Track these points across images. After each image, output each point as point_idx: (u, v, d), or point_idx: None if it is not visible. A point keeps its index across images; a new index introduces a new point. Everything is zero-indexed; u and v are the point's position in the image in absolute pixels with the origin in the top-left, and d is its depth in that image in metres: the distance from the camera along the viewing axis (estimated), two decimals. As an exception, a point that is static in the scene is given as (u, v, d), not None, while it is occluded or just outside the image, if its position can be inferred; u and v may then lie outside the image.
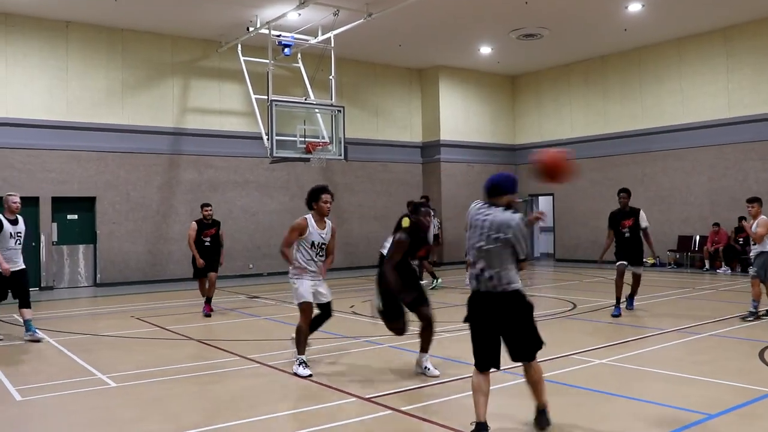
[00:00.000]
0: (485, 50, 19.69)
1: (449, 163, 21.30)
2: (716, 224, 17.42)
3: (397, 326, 6.73)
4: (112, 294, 14.84)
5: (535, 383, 4.93)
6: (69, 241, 16.19)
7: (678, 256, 18.63)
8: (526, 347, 4.82)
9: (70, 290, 15.78)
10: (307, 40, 16.45)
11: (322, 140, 15.94)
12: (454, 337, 8.16)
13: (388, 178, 21.06)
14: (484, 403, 4.69)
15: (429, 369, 6.60)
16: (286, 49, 16.19)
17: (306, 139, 15.73)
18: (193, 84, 17.79)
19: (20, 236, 9.21)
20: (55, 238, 15.91)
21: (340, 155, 16.10)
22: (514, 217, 4.70)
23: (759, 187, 16.23)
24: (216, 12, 15.61)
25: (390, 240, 6.74)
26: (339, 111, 16.18)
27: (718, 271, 17.11)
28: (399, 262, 6.57)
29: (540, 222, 5.31)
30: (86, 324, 10.75)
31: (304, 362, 6.82)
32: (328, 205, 7.05)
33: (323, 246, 7.06)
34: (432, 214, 6.92)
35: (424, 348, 6.64)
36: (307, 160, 15.93)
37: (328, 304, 7.25)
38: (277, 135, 15.18)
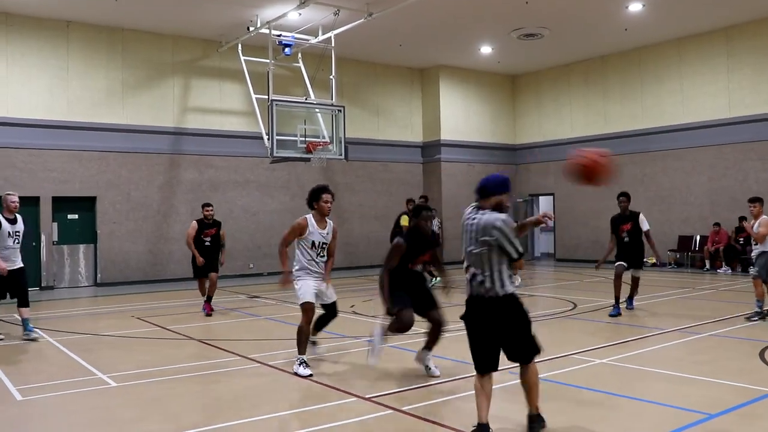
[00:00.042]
0: (486, 50, 19.69)
1: (450, 162, 21.30)
2: (717, 224, 17.42)
3: (401, 324, 6.45)
4: (112, 294, 14.84)
5: (529, 386, 4.84)
6: (69, 240, 16.19)
7: (678, 256, 18.63)
8: (521, 351, 4.76)
9: (70, 290, 15.79)
10: (308, 40, 16.45)
11: (323, 140, 15.94)
12: (453, 337, 8.15)
13: (388, 178, 21.06)
14: (486, 404, 4.69)
15: (431, 369, 6.54)
16: (287, 49, 16.19)
17: (306, 139, 15.73)
18: (194, 84, 17.79)
19: (19, 235, 9.22)
20: (55, 237, 15.92)
21: (341, 155, 16.10)
22: (499, 217, 4.63)
23: (759, 187, 16.23)
24: (216, 12, 15.62)
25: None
26: (339, 111, 16.19)
27: (718, 271, 17.10)
28: (399, 267, 6.46)
29: (547, 223, 5.11)
30: (87, 324, 10.75)
31: (304, 362, 6.82)
32: (329, 204, 7.06)
33: (324, 246, 7.07)
34: (433, 215, 6.82)
35: (429, 346, 6.56)
36: (308, 159, 15.93)
37: (333, 304, 7.26)
38: (277, 135, 15.18)
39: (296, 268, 7.04)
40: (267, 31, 15.63)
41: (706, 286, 14.60)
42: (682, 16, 16.63)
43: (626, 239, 10.56)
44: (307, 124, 16.03)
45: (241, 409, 5.65)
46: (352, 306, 11.66)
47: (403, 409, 5.55)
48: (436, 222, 11.87)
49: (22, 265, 9.28)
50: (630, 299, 10.88)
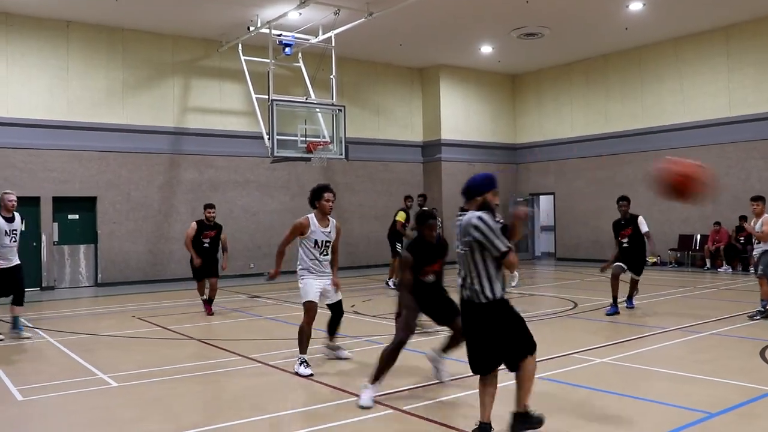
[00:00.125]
0: (486, 49, 19.68)
1: (450, 162, 21.28)
2: (717, 223, 17.41)
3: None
4: (113, 294, 14.85)
5: (520, 382, 4.68)
6: (70, 240, 16.19)
7: (679, 255, 18.62)
8: (512, 354, 4.65)
9: (71, 290, 15.78)
10: (308, 40, 16.45)
11: (323, 140, 15.93)
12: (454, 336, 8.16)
13: (389, 178, 21.05)
14: (489, 403, 4.67)
15: (441, 372, 6.36)
16: (287, 49, 16.18)
17: (307, 139, 15.72)
18: (194, 84, 17.79)
19: (16, 234, 9.23)
20: (56, 238, 15.91)
21: (341, 155, 16.09)
22: (476, 215, 4.59)
23: (762, 186, 16.20)
24: (216, 12, 15.61)
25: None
26: (340, 110, 16.18)
27: (719, 270, 17.10)
28: (414, 280, 5.98)
29: (519, 215, 4.94)
30: (87, 324, 10.75)
31: (305, 362, 6.82)
32: (330, 203, 7.08)
33: (328, 244, 7.09)
34: (437, 222, 6.57)
35: (446, 349, 6.30)
36: (308, 159, 15.93)
37: (338, 303, 7.26)
38: (278, 135, 15.18)
39: (300, 267, 7.08)
40: (267, 30, 15.63)
41: (707, 285, 14.59)
42: (682, 15, 16.63)
43: (626, 244, 10.55)
44: (307, 124, 16.03)
45: (241, 409, 5.65)
46: (352, 306, 11.66)
47: (404, 408, 5.54)
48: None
49: (18, 262, 9.29)
50: (629, 299, 10.88)
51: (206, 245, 11.21)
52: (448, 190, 21.09)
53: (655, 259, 17.86)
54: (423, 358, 6.75)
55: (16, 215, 9.30)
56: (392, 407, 5.57)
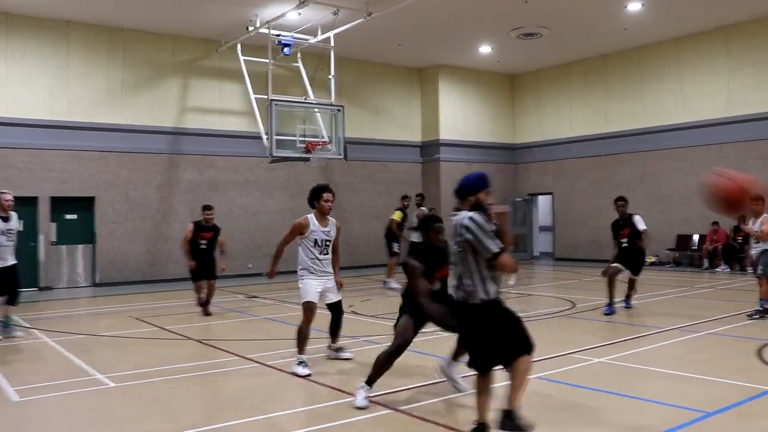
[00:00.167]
0: (485, 49, 19.69)
1: (448, 162, 21.28)
2: (715, 223, 17.42)
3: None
4: (111, 294, 14.84)
5: (513, 377, 4.60)
6: (68, 241, 16.18)
7: (677, 254, 18.63)
8: (507, 353, 4.61)
9: (68, 290, 15.77)
10: (307, 40, 16.45)
11: (322, 140, 15.94)
12: (453, 335, 8.17)
13: (388, 178, 21.06)
14: (486, 402, 4.68)
15: (459, 384, 6.00)
16: (286, 49, 16.19)
17: (306, 139, 15.73)
18: (194, 84, 17.80)
19: (12, 233, 9.22)
20: (54, 238, 15.91)
21: (340, 155, 16.10)
22: (467, 215, 4.58)
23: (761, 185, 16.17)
24: (216, 12, 15.62)
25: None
26: (339, 110, 16.19)
27: (716, 269, 17.11)
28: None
29: (499, 217, 4.83)
30: (85, 324, 10.74)
31: (303, 362, 6.83)
32: (329, 203, 7.11)
33: (327, 243, 7.11)
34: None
35: (456, 355, 6.01)
36: (307, 159, 15.93)
37: (337, 303, 7.27)
38: (276, 135, 15.19)
39: (300, 267, 7.11)
40: (266, 30, 15.63)
41: (705, 284, 14.60)
42: (681, 15, 16.64)
43: (625, 244, 10.56)
44: (306, 124, 16.05)
45: (240, 409, 5.65)
46: (351, 306, 11.66)
47: (401, 408, 5.55)
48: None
49: (14, 262, 9.28)
50: (627, 299, 10.88)
51: (203, 246, 11.18)
52: (446, 190, 21.05)
53: (653, 259, 17.90)
54: (421, 358, 6.76)
55: (13, 215, 9.29)
56: (390, 407, 5.58)
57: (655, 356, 7.62)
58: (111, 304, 13.16)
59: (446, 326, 5.79)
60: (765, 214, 9.88)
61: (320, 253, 7.07)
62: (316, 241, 7.03)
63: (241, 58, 16.69)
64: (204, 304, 11.20)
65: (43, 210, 15.64)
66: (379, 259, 19.18)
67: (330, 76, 16.38)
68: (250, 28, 16.07)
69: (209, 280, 11.19)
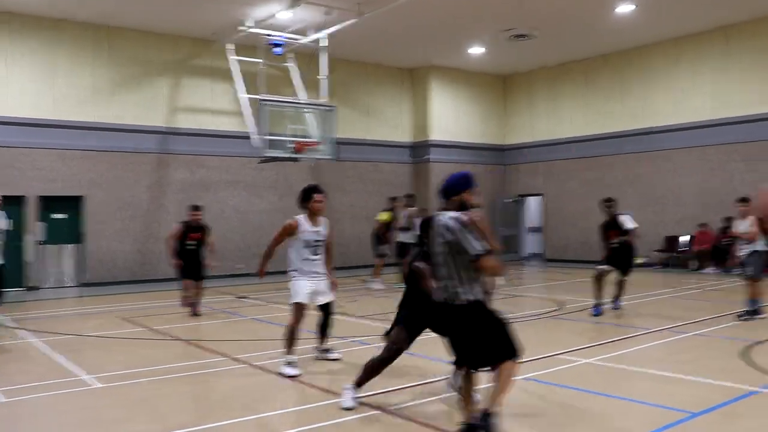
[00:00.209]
0: (477, 50, 19.72)
1: (439, 163, 21.30)
2: (703, 224, 17.54)
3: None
4: (99, 294, 14.77)
5: (497, 380, 4.58)
6: (56, 240, 16.08)
7: (665, 256, 18.72)
8: (491, 356, 4.60)
9: (56, 290, 15.66)
10: (299, 40, 16.44)
11: (313, 140, 15.92)
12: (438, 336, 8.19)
13: (379, 178, 21.06)
14: (468, 403, 4.71)
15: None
16: (277, 48, 16.16)
17: (296, 139, 15.70)
18: (184, 83, 17.73)
19: (1, 233, 9.18)
20: (41, 237, 15.80)
21: (331, 155, 16.09)
22: (451, 216, 4.58)
23: (743, 187, 16.26)
24: (207, 10, 15.56)
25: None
26: (330, 110, 16.17)
27: (704, 271, 17.22)
28: (420, 290, 5.67)
29: (473, 218, 4.70)
30: (73, 324, 10.69)
31: (291, 362, 6.83)
32: (321, 204, 7.11)
33: (319, 244, 7.12)
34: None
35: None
36: (297, 159, 15.91)
37: (328, 304, 7.27)
38: (267, 135, 15.16)
39: (291, 268, 7.10)
40: (258, 30, 15.61)
41: (692, 286, 14.69)
42: (673, 17, 16.70)
43: (616, 245, 10.62)
44: (297, 124, 16.00)
45: (228, 410, 5.65)
46: (340, 307, 11.65)
47: (390, 408, 5.56)
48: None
49: (2, 262, 9.23)
50: (616, 299, 10.92)
51: (192, 247, 11.12)
52: (436, 191, 21.08)
53: (642, 260, 17.99)
54: (412, 359, 6.76)
55: (1, 214, 9.25)
56: (379, 407, 5.58)
57: (642, 357, 7.67)
58: (99, 304, 13.10)
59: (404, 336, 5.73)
60: (752, 216, 9.97)
61: (312, 254, 7.07)
62: (306, 242, 7.03)
63: (233, 57, 16.66)
64: (192, 305, 11.15)
65: (31, 209, 15.55)
66: (370, 259, 19.15)
67: (318, 76, 16.38)
68: (242, 28, 16.04)
69: (197, 281, 11.14)
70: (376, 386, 6.02)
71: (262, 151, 15.17)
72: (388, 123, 21.58)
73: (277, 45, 16.10)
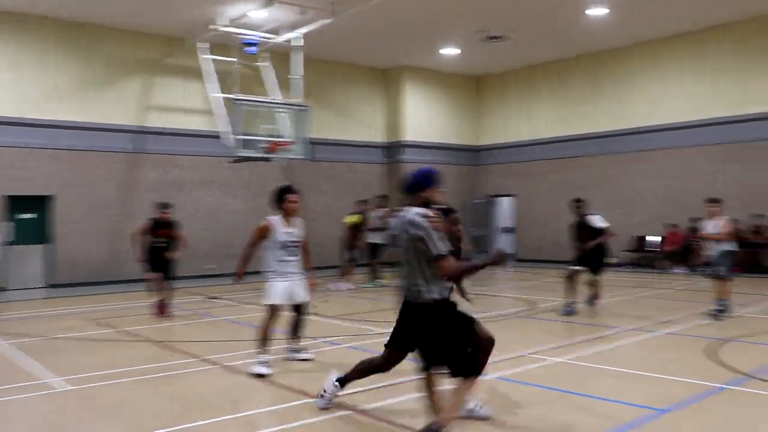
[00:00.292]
0: (450, 51, 19.81)
1: (412, 163, 21.33)
2: (673, 225, 17.82)
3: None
4: (70, 295, 14.55)
5: (454, 393, 4.50)
6: (25, 240, 15.81)
7: (635, 256, 18.97)
8: (451, 359, 4.50)
9: (25, 291, 15.36)
10: (273, 39, 16.35)
11: (286, 140, 15.85)
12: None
13: (353, 179, 21.05)
14: (430, 405, 4.72)
15: (476, 408, 5.31)
16: (252, 48, 16.06)
17: (270, 139, 15.62)
18: (157, 81, 17.53)
19: None
20: (9, 237, 15.52)
21: (305, 155, 16.05)
22: (416, 211, 4.52)
23: (717, 188, 16.55)
24: (179, 9, 15.41)
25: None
26: (304, 110, 16.11)
27: (674, 271, 17.48)
28: None
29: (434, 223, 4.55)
30: (42, 326, 10.51)
31: (263, 362, 6.82)
32: (296, 204, 7.10)
33: (295, 244, 7.09)
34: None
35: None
36: (269, 159, 15.84)
37: (301, 305, 7.25)
38: (240, 134, 15.06)
39: (267, 269, 7.08)
40: (231, 29, 15.49)
41: (663, 285, 14.92)
42: (646, 20, 16.93)
43: (586, 245, 10.72)
44: (270, 124, 15.92)
45: (200, 411, 5.62)
46: (314, 307, 11.62)
47: (361, 408, 5.57)
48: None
49: None
50: (592, 299, 10.98)
51: (160, 244, 10.92)
52: (400, 187, 21.07)
53: (614, 260, 18.20)
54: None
55: None
56: (350, 408, 5.59)
57: (610, 356, 7.77)
58: (69, 306, 12.91)
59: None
60: (725, 216, 10.17)
61: (287, 255, 7.04)
62: (282, 243, 7.01)
63: (206, 56, 16.49)
64: (163, 306, 11.01)
65: (-1, 209, 15.29)
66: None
67: (295, 76, 16.30)
68: (215, 27, 15.87)
69: (166, 281, 11.00)
70: (347, 387, 6.02)
71: (235, 150, 15.07)
72: (363, 123, 21.58)
73: (250, 44, 16.01)
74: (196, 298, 13.55)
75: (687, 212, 17.25)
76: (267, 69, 17.18)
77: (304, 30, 15.73)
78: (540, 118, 21.66)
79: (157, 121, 17.45)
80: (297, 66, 16.27)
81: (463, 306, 5.17)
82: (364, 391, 6.05)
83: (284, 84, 16.89)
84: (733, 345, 8.11)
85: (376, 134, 21.94)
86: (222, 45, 16.57)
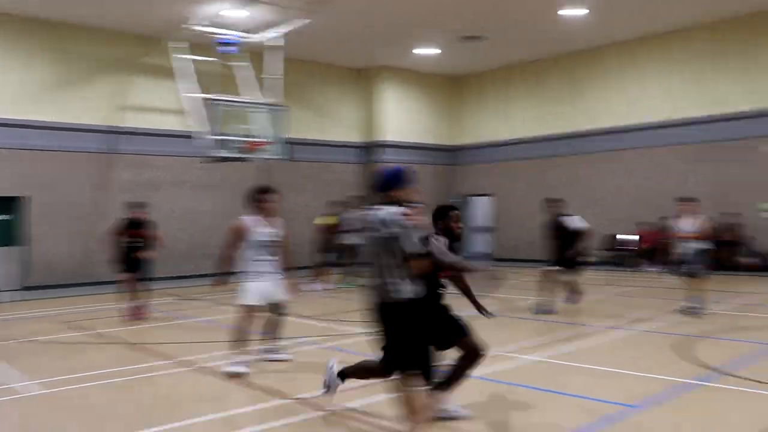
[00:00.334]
0: (428, 51, 19.85)
1: (389, 164, 21.37)
2: (646, 224, 18.03)
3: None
4: (42, 297, 14.33)
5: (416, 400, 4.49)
6: (-3, 242, 15.59)
7: (609, 255, 19.15)
8: (421, 363, 4.53)
9: (-2, 294, 15.17)
10: (249, 38, 16.25)
11: (263, 140, 15.76)
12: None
13: (331, 179, 21.01)
14: (408, 409, 4.71)
15: (455, 411, 5.31)
16: (228, 47, 15.94)
17: (247, 139, 15.54)
18: (131, 81, 17.33)
19: None
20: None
21: (283, 155, 15.99)
22: (396, 209, 4.46)
23: (691, 188, 16.71)
24: (155, 7, 15.27)
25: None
26: (283, 110, 16.04)
27: (648, 269, 17.67)
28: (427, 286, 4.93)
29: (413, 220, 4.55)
30: (14, 329, 10.36)
31: (239, 362, 6.80)
32: (273, 204, 7.09)
33: (273, 244, 7.07)
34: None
35: (443, 388, 5.19)
36: (244, 159, 15.75)
37: (278, 305, 7.23)
38: (218, 134, 14.96)
39: (243, 269, 7.03)
40: (208, 29, 15.38)
41: (636, 284, 15.10)
42: (623, 21, 17.12)
43: (559, 244, 10.81)
44: (247, 124, 15.82)
45: (172, 412, 5.59)
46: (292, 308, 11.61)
47: (335, 409, 5.57)
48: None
49: None
50: (569, 296, 11.08)
51: (134, 244, 10.76)
52: (370, 186, 21.09)
53: (593, 259, 18.36)
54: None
55: None
56: (324, 409, 5.59)
57: (584, 353, 7.86)
58: (43, 308, 12.73)
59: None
60: (701, 215, 10.31)
61: (264, 255, 7.02)
62: (260, 243, 6.99)
63: (178, 56, 16.34)
64: (137, 309, 10.89)
65: (-30, 210, 15.04)
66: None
67: (274, 76, 16.22)
68: (191, 26, 15.73)
69: (141, 282, 10.89)
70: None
71: (211, 150, 14.95)
72: (342, 123, 21.57)
73: (227, 44, 15.89)
74: (171, 300, 13.44)
75: (658, 211, 17.46)
76: (245, 69, 17.08)
77: (282, 30, 15.67)
78: (517, 118, 21.79)
79: (131, 120, 17.26)
80: (276, 66, 16.19)
81: (462, 312, 5.24)
82: (345, 390, 6.07)
83: (262, 84, 16.81)
84: (705, 341, 8.24)
85: (354, 134, 21.94)
86: (201, 45, 16.44)
